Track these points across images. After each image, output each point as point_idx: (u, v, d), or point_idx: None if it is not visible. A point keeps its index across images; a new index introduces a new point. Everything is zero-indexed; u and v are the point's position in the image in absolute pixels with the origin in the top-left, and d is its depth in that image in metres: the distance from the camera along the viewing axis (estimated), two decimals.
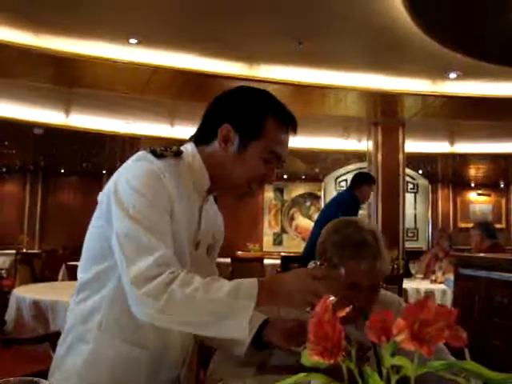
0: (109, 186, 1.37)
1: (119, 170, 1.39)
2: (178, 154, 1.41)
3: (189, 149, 1.45)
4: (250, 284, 1.25)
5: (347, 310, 0.72)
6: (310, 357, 0.69)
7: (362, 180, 5.44)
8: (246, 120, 1.41)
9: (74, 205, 13.58)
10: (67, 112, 8.86)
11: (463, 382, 0.74)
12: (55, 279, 6.41)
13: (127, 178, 1.32)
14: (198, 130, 1.50)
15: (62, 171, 13.61)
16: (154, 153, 1.36)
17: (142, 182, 1.31)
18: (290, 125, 1.45)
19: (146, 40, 5.74)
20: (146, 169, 1.33)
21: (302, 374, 0.72)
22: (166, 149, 1.39)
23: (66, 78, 6.73)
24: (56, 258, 8.74)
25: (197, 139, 1.48)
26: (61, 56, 5.79)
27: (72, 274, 5.87)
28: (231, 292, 1.22)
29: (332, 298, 0.73)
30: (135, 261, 1.22)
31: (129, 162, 1.39)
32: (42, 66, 6.22)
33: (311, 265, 1.37)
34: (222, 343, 1.49)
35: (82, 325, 1.40)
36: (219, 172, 1.44)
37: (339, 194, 5.83)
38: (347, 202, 5.22)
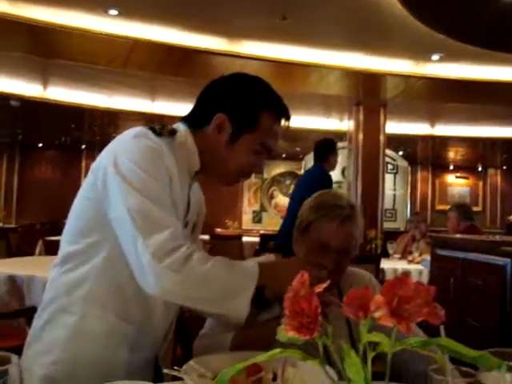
0: (105, 159, 1.35)
1: (114, 143, 1.38)
2: (173, 134, 1.43)
3: (181, 129, 1.47)
4: (252, 267, 1.31)
5: (324, 285, 0.71)
6: (285, 332, 0.67)
7: (327, 151, 5.28)
8: (242, 112, 1.44)
9: (53, 179, 13.45)
10: (45, 84, 8.69)
11: (439, 359, 0.74)
12: (32, 254, 6.34)
13: (129, 154, 1.32)
14: (192, 112, 1.51)
15: (40, 145, 13.42)
16: (153, 130, 1.37)
17: (145, 158, 1.31)
18: (284, 117, 1.48)
19: (126, 12, 5.63)
20: (147, 145, 1.33)
21: (277, 350, 0.71)
22: (162, 127, 1.40)
23: (43, 49, 6.58)
24: (33, 233, 8.64)
25: (189, 121, 1.49)
26: (37, 25, 5.64)
27: (49, 249, 5.82)
28: (237, 272, 1.29)
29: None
30: (152, 235, 1.23)
31: (125, 137, 1.38)
32: (17, 34, 6.06)
33: None
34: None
35: (66, 296, 1.38)
36: (209, 157, 1.46)
37: (309, 172, 5.67)
38: (320, 179, 5.11)
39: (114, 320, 1.38)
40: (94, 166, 1.40)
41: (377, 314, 0.62)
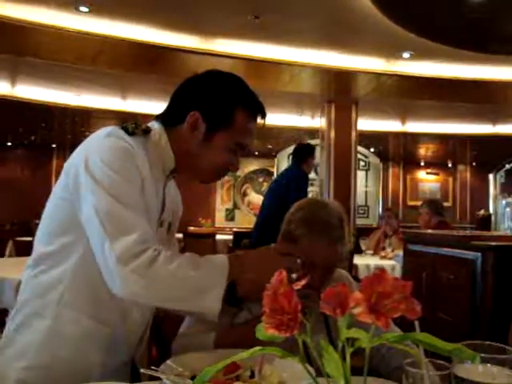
0: (77, 159, 1.34)
1: (86, 143, 1.37)
2: (147, 132, 1.41)
3: (156, 127, 1.45)
4: (221, 261, 1.28)
5: (303, 282, 0.71)
6: (265, 330, 0.68)
7: (306, 153, 5.51)
8: (216, 110, 1.42)
9: (23, 179, 13.20)
10: (13, 82, 8.53)
11: (415, 353, 0.75)
12: (2, 255, 6.22)
13: (100, 154, 1.30)
14: (166, 110, 1.50)
15: (9, 144, 13.16)
16: (125, 129, 1.35)
17: (117, 159, 1.30)
18: (259, 114, 1.48)
19: (97, 9, 5.56)
20: (119, 145, 1.31)
21: (256, 348, 0.71)
22: (135, 126, 1.38)
23: (12, 46, 6.44)
24: (3, 234, 8.47)
25: (164, 119, 1.48)
26: (6, 22, 5.53)
27: (20, 250, 5.72)
28: (206, 268, 1.26)
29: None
30: (119, 238, 1.21)
31: (97, 136, 1.36)
32: None
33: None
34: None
35: (40, 299, 1.36)
36: (184, 156, 1.45)
37: (288, 171, 5.80)
38: (299, 179, 5.28)
39: (89, 323, 1.36)
40: (66, 165, 1.38)
41: (355, 311, 0.62)
